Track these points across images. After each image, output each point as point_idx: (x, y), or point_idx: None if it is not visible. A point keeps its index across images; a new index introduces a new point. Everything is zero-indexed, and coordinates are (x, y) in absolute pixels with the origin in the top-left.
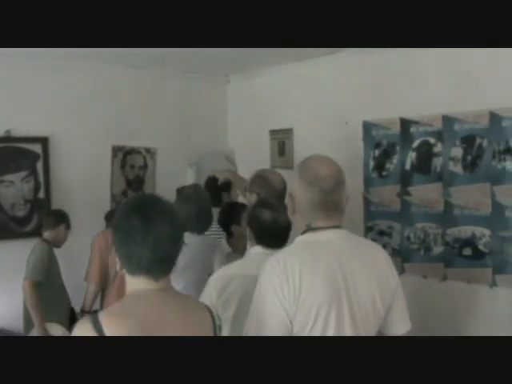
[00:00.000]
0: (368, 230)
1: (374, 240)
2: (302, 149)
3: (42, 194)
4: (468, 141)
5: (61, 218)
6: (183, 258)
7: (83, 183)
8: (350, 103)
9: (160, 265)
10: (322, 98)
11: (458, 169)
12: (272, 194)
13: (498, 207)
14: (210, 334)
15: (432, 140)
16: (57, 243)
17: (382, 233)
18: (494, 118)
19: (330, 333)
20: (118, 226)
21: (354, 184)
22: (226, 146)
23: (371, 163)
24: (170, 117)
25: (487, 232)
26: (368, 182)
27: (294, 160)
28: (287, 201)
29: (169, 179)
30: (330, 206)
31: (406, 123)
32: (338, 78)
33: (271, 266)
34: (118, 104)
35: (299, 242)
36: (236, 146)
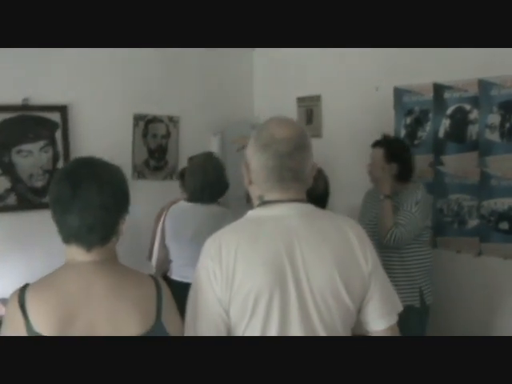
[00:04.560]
0: None
1: None
2: (330, 116)
3: (60, 164)
4: (506, 107)
5: None
6: (189, 230)
7: (103, 153)
8: (381, 68)
9: (91, 233)
10: (351, 63)
11: (494, 137)
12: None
13: None
14: (151, 307)
15: (467, 106)
16: None
17: None
18: None
19: (273, 325)
20: (49, 192)
21: None
22: (251, 114)
23: (403, 131)
24: (194, 84)
25: None
26: None
27: (323, 128)
28: (243, 170)
29: (192, 148)
30: (287, 174)
31: (439, 89)
32: None
33: (208, 246)
34: (140, 70)
35: (246, 218)
36: (262, 114)
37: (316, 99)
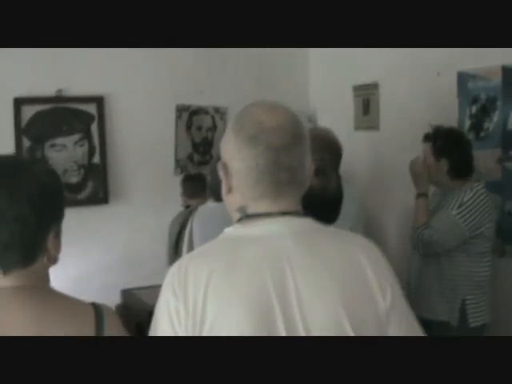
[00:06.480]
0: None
1: None
2: (388, 106)
3: (96, 159)
4: None
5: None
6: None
7: (143, 147)
8: (442, 50)
9: (6, 252)
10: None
11: None
12: (336, 157)
13: None
14: None
15: None
16: None
17: None
18: None
19: None
20: None
21: None
22: (307, 104)
23: (467, 122)
24: (243, 72)
25: None
26: None
27: (380, 119)
28: (220, 174)
29: None
30: (283, 175)
31: (509, 72)
32: None
33: (171, 276)
34: (183, 57)
35: (222, 239)
36: (318, 104)
37: (373, 87)
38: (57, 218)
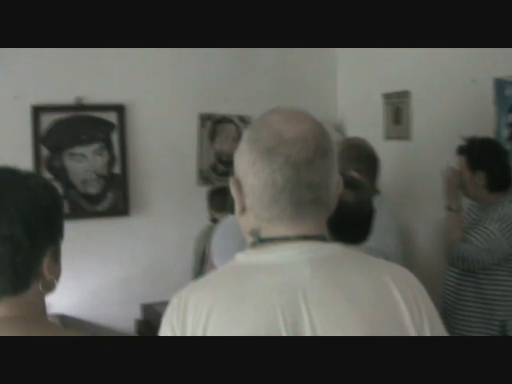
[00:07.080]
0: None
1: None
2: (420, 116)
3: (117, 169)
4: None
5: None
6: (235, 243)
7: (165, 157)
8: (479, 56)
9: None
10: (443, 52)
11: None
12: (372, 169)
13: None
14: None
15: None
16: None
17: None
18: None
19: None
20: None
21: None
22: (335, 113)
23: (505, 131)
24: (269, 79)
25: None
26: None
27: (412, 129)
28: (232, 192)
29: None
30: (304, 193)
31: None
32: None
33: (170, 309)
34: (206, 65)
35: (230, 267)
36: (346, 113)
37: (404, 95)
38: (54, 238)
